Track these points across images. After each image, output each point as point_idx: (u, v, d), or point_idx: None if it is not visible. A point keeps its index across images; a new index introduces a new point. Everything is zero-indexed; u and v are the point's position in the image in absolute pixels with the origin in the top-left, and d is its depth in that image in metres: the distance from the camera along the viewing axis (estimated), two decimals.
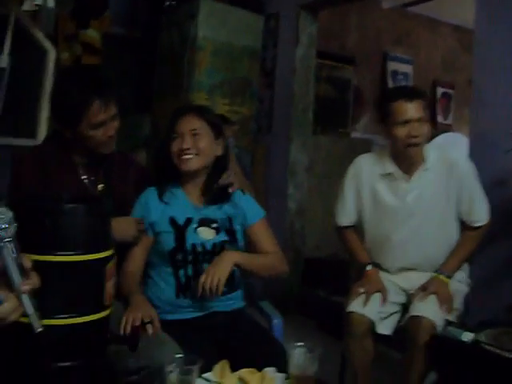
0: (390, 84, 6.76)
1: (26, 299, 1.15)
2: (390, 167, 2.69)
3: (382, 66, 6.75)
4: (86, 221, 1.39)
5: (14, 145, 4.80)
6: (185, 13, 4.56)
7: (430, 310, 2.47)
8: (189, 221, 2.27)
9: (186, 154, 2.24)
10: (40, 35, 3.89)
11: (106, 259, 1.44)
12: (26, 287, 1.14)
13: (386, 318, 2.65)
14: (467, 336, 2.34)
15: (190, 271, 2.25)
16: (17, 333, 1.20)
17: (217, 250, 2.26)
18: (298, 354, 1.77)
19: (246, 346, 2.16)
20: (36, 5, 3.68)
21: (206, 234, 2.27)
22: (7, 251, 1.12)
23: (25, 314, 1.16)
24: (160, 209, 2.29)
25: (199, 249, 2.24)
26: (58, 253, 1.34)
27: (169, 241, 2.24)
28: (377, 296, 2.63)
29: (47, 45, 3.89)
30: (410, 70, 6.93)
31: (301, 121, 4.58)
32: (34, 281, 1.17)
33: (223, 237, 2.29)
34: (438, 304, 2.53)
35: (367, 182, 2.75)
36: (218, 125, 2.35)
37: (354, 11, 6.26)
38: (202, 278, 2.10)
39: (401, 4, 6.58)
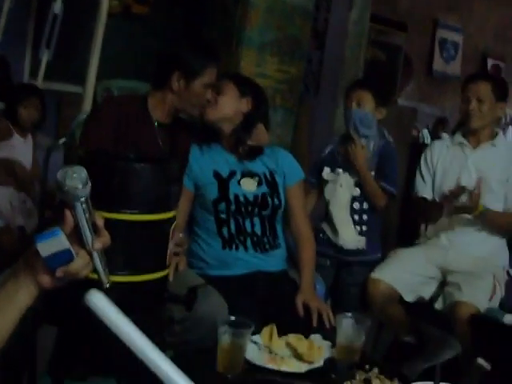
0: (437, 52, 6.62)
1: (96, 256, 1.17)
2: None
3: (432, 34, 6.60)
4: (156, 181, 1.40)
5: (61, 90, 4.89)
6: None
7: (475, 296, 2.49)
8: (232, 173, 2.38)
9: (208, 107, 2.32)
10: None
11: (172, 220, 1.46)
12: (97, 245, 1.16)
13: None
14: (509, 318, 2.35)
15: (232, 227, 2.33)
16: (85, 288, 1.23)
17: (258, 201, 2.35)
18: (347, 324, 1.80)
19: (290, 310, 2.19)
20: None
21: (249, 186, 2.37)
22: (81, 210, 1.13)
23: (94, 270, 1.18)
24: (202, 162, 2.38)
25: (241, 199, 2.33)
26: (127, 211, 1.36)
27: (212, 191, 2.34)
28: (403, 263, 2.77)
29: None
30: (460, 40, 6.76)
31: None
32: (105, 239, 1.19)
33: (265, 189, 2.38)
34: None
35: None
36: (243, 84, 2.44)
37: None
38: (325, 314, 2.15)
39: None
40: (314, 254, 2.43)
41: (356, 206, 2.86)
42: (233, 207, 2.32)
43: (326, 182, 2.88)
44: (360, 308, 2.69)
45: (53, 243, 1.10)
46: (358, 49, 4.55)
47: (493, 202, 2.76)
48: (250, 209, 2.34)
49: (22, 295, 1.16)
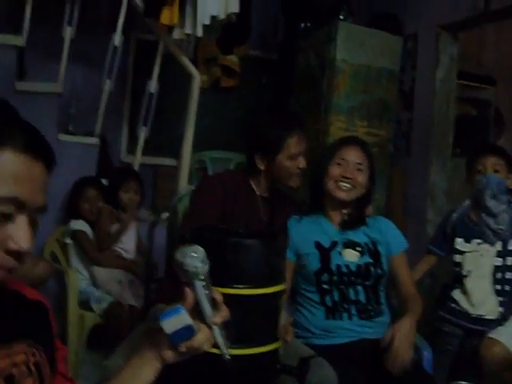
0: None
1: (216, 330, 1.20)
2: None
3: None
4: (268, 255, 1.44)
5: (157, 164, 5.11)
6: (322, 35, 4.58)
7: None
8: (334, 244, 2.35)
9: (346, 183, 2.33)
10: (186, 61, 4.03)
11: (281, 293, 1.48)
12: (217, 320, 1.20)
13: None
14: None
15: (336, 296, 2.31)
16: (205, 361, 1.26)
17: (361, 271, 2.32)
18: None
19: (397, 378, 2.13)
20: (186, 34, 3.83)
21: (351, 256, 2.34)
22: (200, 287, 1.18)
23: (214, 344, 1.21)
24: (302, 233, 2.38)
25: (344, 270, 2.30)
26: (238, 286, 1.39)
27: (314, 262, 2.32)
28: None
29: (193, 70, 4.02)
30: None
31: (440, 143, 4.46)
32: (225, 313, 1.22)
33: (367, 259, 2.35)
34: None
35: None
36: (373, 163, 2.44)
37: (491, 27, 6.02)
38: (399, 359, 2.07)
39: None
40: (422, 307, 2.35)
41: (498, 276, 2.75)
42: (335, 278, 2.31)
43: (461, 252, 2.80)
44: (474, 374, 2.59)
45: (176, 320, 1.15)
46: (447, 106, 4.51)
47: None
48: (352, 279, 2.31)
49: (147, 371, 1.20)
